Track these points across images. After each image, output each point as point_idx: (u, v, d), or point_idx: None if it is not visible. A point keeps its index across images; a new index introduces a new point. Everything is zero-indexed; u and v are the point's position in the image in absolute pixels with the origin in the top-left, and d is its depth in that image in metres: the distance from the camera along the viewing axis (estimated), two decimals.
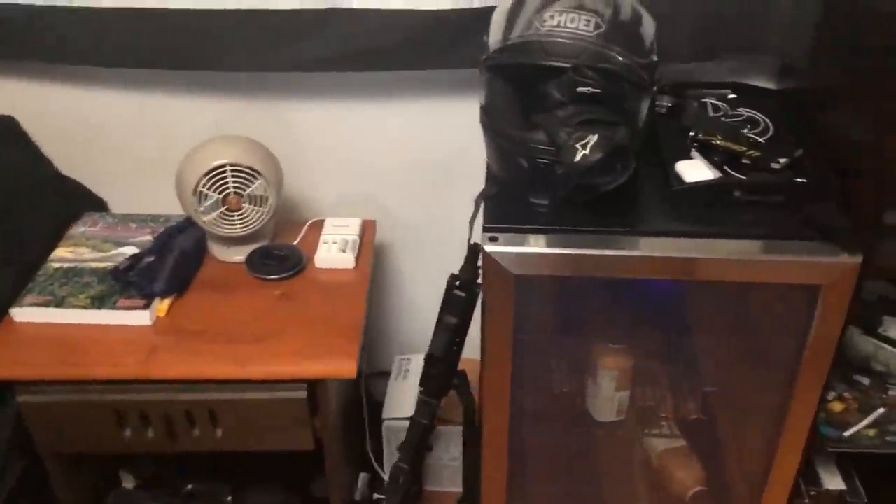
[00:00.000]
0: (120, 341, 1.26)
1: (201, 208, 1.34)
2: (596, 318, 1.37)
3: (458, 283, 1.24)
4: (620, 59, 1.05)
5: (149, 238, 1.44)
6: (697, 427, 1.43)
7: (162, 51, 1.38)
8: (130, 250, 1.40)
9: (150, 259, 1.36)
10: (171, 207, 1.52)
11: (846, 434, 1.36)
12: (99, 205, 1.59)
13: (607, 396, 1.36)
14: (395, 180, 1.59)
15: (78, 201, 1.56)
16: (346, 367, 1.22)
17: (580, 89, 1.03)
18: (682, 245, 1.08)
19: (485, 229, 1.09)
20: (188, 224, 1.44)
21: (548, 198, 1.10)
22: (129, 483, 1.57)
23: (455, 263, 1.67)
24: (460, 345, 1.27)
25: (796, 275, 1.06)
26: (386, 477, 1.67)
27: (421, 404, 1.36)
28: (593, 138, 1.01)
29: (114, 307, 1.28)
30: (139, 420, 1.26)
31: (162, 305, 1.31)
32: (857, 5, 1.17)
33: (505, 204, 1.13)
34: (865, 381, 1.44)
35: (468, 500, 1.60)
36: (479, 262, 1.22)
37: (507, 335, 1.13)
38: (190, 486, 1.52)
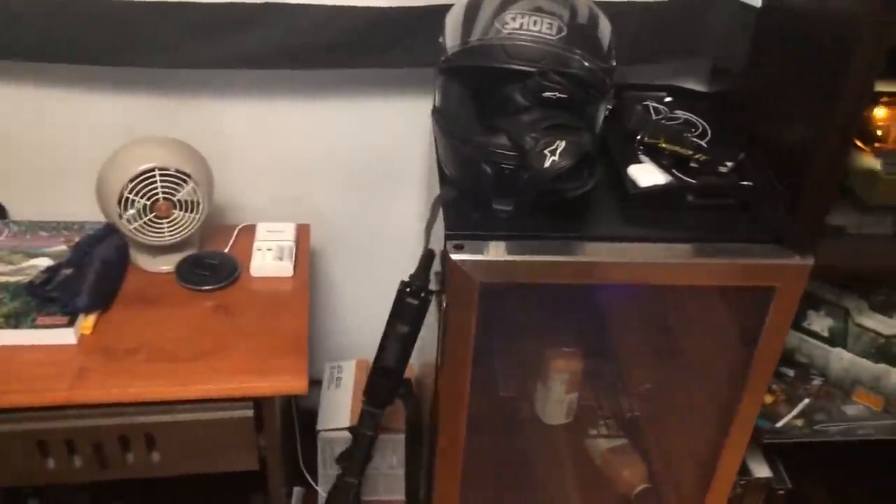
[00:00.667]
0: (41, 363, 1.14)
1: (126, 216, 1.24)
2: (549, 323, 1.37)
3: (409, 289, 1.21)
4: (585, 63, 1.04)
5: (64, 248, 1.32)
6: (638, 427, 1.46)
7: (70, 43, 1.25)
8: (45, 262, 1.28)
9: (69, 271, 1.25)
10: (79, 213, 1.40)
11: (778, 425, 1.43)
12: None
13: (558, 399, 1.36)
14: (327, 182, 1.53)
15: None
16: (296, 383, 1.16)
17: (546, 94, 1.02)
18: (639, 250, 1.08)
19: (448, 237, 1.06)
20: (107, 231, 1.33)
21: (511, 203, 1.08)
22: None
23: (389, 268, 1.63)
24: (409, 353, 1.24)
25: (752, 277, 1.09)
26: (320, 490, 1.61)
27: (367, 416, 1.32)
28: (562, 144, 1.00)
29: (33, 325, 1.16)
30: (65, 448, 1.15)
31: (87, 322, 1.20)
32: (791, 10, 1.22)
33: (466, 209, 1.10)
34: (791, 372, 1.52)
35: None
36: (432, 269, 1.20)
37: (468, 343, 1.11)
38: None
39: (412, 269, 1.21)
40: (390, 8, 1.27)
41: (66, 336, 1.17)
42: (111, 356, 1.17)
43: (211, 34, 1.26)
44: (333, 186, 1.52)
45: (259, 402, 1.17)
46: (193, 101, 1.41)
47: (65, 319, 1.18)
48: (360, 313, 1.68)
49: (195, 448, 1.18)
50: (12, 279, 1.25)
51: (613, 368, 1.47)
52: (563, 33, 1.04)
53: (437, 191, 1.18)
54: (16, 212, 1.47)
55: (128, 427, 1.15)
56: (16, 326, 1.16)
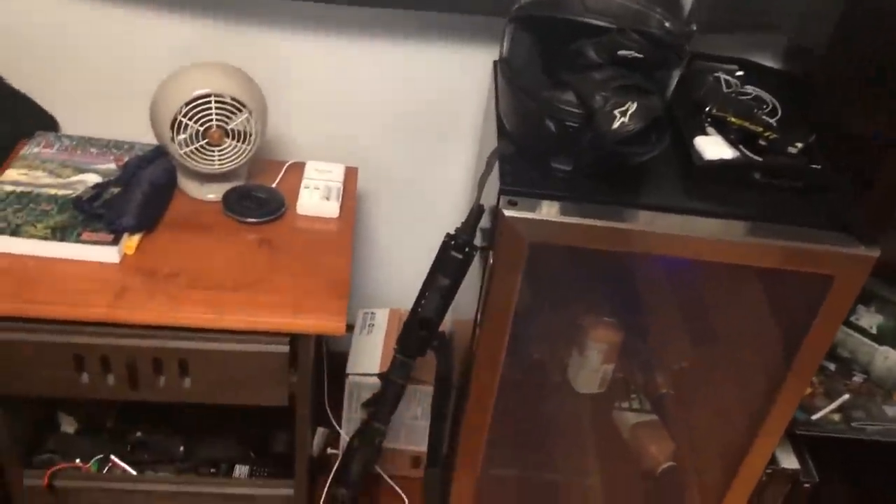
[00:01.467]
0: (83, 278, 1.14)
1: (179, 140, 1.23)
2: (592, 290, 1.35)
3: (454, 243, 1.18)
4: (665, 24, 1.00)
5: (113, 166, 1.31)
6: (670, 404, 1.44)
7: None
8: (93, 178, 1.28)
9: (117, 190, 1.25)
10: (127, 133, 1.39)
11: (813, 418, 1.40)
12: (50, 124, 1.44)
13: (593, 369, 1.34)
14: (378, 127, 1.50)
15: (27, 118, 1.41)
16: (335, 323, 1.14)
17: (621, 52, 0.98)
18: (699, 224, 1.05)
19: (503, 192, 1.03)
20: (157, 154, 1.32)
21: (571, 164, 1.05)
22: (68, 427, 1.46)
23: (431, 219, 1.61)
24: (447, 307, 1.22)
25: (813, 264, 1.05)
26: (343, 432, 1.62)
27: (399, 364, 1.31)
28: (633, 106, 0.96)
29: (77, 240, 1.16)
30: (100, 365, 1.16)
31: (131, 242, 1.20)
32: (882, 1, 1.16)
33: (523, 166, 1.07)
34: (832, 366, 1.48)
35: (434, 464, 1.58)
36: (480, 225, 1.17)
37: (510, 302, 1.09)
38: (139, 434, 1.43)
39: (456, 223, 1.18)
40: None
41: (109, 254, 1.17)
42: (152, 278, 1.16)
43: None
44: (384, 131, 1.49)
45: (295, 339, 1.17)
46: (254, 31, 1.38)
47: (109, 237, 1.18)
48: (398, 262, 1.67)
49: (227, 378, 1.18)
50: (60, 192, 1.24)
51: (650, 343, 1.44)
52: None
53: (492, 145, 1.15)
54: (67, 127, 1.47)
55: (162, 350, 1.15)
56: (61, 239, 1.16)
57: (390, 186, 1.57)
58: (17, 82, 1.40)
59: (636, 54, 0.98)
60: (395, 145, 1.52)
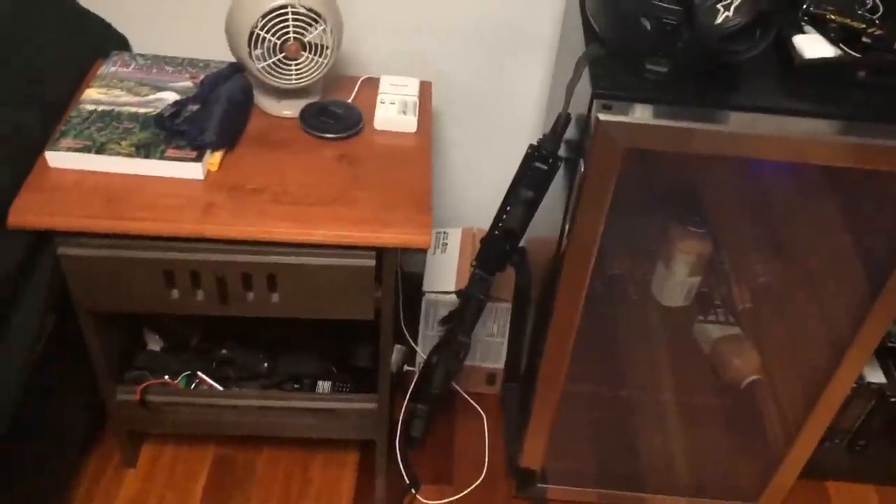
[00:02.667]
0: (169, 195, 1.15)
1: (256, 54, 1.21)
2: (680, 200, 1.31)
3: (538, 153, 1.16)
4: None
5: (189, 84, 1.31)
6: (755, 317, 1.41)
7: None
8: (171, 96, 1.27)
9: (196, 107, 1.24)
10: (198, 51, 1.38)
11: None
12: (122, 43, 1.44)
13: (679, 281, 1.32)
14: (449, 41, 1.46)
15: (100, 38, 1.40)
16: (420, 236, 1.14)
17: None
18: (801, 125, 1.00)
19: (596, 95, 1.00)
20: (233, 71, 1.30)
21: (668, 65, 1.01)
22: (154, 345, 1.49)
23: (506, 136, 1.58)
24: (530, 220, 1.21)
25: None
26: (419, 349, 1.63)
27: (477, 279, 1.30)
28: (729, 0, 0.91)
29: (162, 157, 1.16)
30: (190, 280, 1.17)
31: (213, 158, 1.20)
32: None
33: (616, 68, 1.03)
34: None
35: (513, 380, 1.59)
36: (566, 132, 1.14)
37: (601, 211, 1.06)
38: (223, 352, 1.46)
39: (529, 139, 1.16)
40: None
41: (193, 170, 1.17)
42: (237, 194, 1.16)
43: None
44: (458, 44, 1.46)
45: (381, 253, 1.16)
46: None
47: (193, 154, 1.18)
48: (471, 179, 1.65)
49: (315, 292, 1.19)
50: (141, 110, 1.24)
51: (737, 255, 1.40)
52: None
53: (576, 51, 1.11)
54: (138, 46, 1.46)
55: (251, 265, 1.16)
56: (146, 156, 1.16)
57: (463, 101, 1.54)
58: (87, 2, 1.39)
59: None
60: (469, 59, 1.48)
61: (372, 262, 1.15)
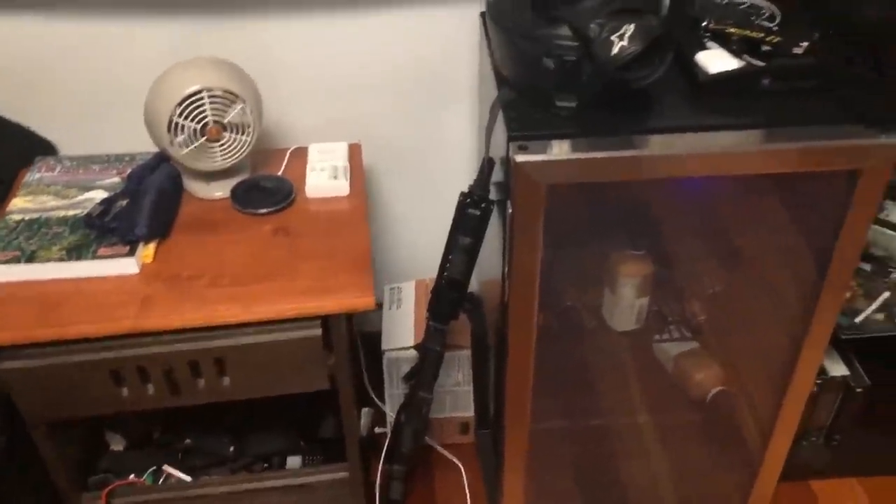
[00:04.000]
0: (107, 293, 1.14)
1: (177, 142, 1.21)
2: (615, 226, 1.33)
3: (470, 200, 1.17)
4: None
5: (117, 180, 1.31)
6: (710, 329, 1.42)
7: None
8: (100, 194, 1.27)
9: (125, 202, 1.24)
10: (130, 145, 1.38)
11: (857, 321, 1.38)
12: (48, 148, 1.43)
13: (628, 305, 1.32)
14: (376, 99, 1.48)
15: (23, 147, 1.40)
16: (363, 299, 1.13)
17: None
18: (714, 139, 1.03)
19: (511, 138, 1.01)
20: (159, 161, 1.31)
21: (575, 99, 1.03)
22: (117, 445, 1.46)
23: (442, 184, 1.59)
24: (473, 266, 1.21)
25: (836, 161, 1.02)
26: (387, 410, 1.62)
27: (432, 332, 1.31)
28: (630, 28, 0.94)
29: (94, 257, 1.16)
30: (137, 376, 1.16)
31: (147, 250, 1.19)
32: None
33: (527, 109, 1.05)
34: (868, 267, 1.46)
35: (484, 426, 1.57)
36: (492, 179, 1.16)
37: (535, 249, 1.07)
38: (187, 441, 1.43)
39: (466, 185, 1.17)
40: None
41: (128, 266, 1.16)
42: (174, 283, 1.16)
43: None
44: (382, 103, 1.47)
45: (327, 321, 1.16)
46: (236, 22, 1.36)
47: (125, 249, 1.17)
48: (417, 232, 1.66)
49: (265, 370, 1.17)
50: (70, 213, 1.24)
51: (681, 271, 1.42)
52: None
53: (491, 98, 1.13)
54: (66, 149, 1.46)
55: (197, 352, 1.14)
56: (78, 258, 1.16)
57: (397, 158, 1.55)
58: (9, 112, 1.39)
59: None
60: (395, 116, 1.50)
61: (318, 332, 1.15)
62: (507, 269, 1.12)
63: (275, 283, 1.15)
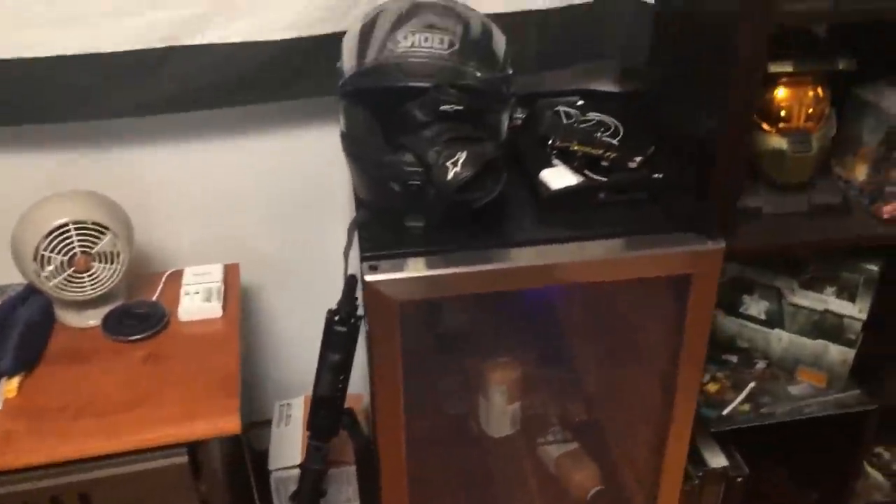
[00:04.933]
0: None
1: (45, 274, 1.22)
2: (478, 335, 1.37)
3: (337, 317, 1.20)
4: (478, 74, 1.05)
5: None
6: (587, 429, 1.46)
7: None
8: None
9: None
10: (2, 276, 1.38)
11: (724, 413, 1.43)
12: None
13: (500, 411, 1.36)
14: (253, 219, 1.52)
15: None
16: (228, 423, 1.14)
17: (443, 108, 1.03)
18: (556, 251, 1.09)
19: (363, 258, 1.06)
20: (30, 291, 1.30)
21: (423, 219, 1.09)
22: None
23: (326, 297, 1.61)
24: (346, 382, 1.23)
25: (669, 266, 1.10)
26: None
27: (312, 450, 1.30)
28: (463, 155, 1.01)
29: None
30: None
31: (10, 385, 1.18)
32: (687, 8, 1.25)
33: (379, 230, 1.10)
34: (734, 359, 1.53)
35: None
36: (357, 294, 1.19)
37: (395, 364, 1.11)
38: None
39: None
40: (290, 39, 1.28)
41: None
42: (38, 417, 1.14)
43: (112, 83, 1.25)
44: (259, 222, 1.51)
45: (194, 447, 1.15)
46: (111, 152, 1.40)
47: None
48: (303, 347, 1.65)
49: (134, 501, 1.15)
50: None
51: (555, 373, 1.46)
52: (456, 47, 1.05)
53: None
54: None
55: (60, 487, 1.12)
56: None
57: (278, 275, 1.58)
58: None
59: (457, 107, 1.02)
60: (274, 234, 1.54)
61: (184, 459, 1.14)
62: (371, 383, 1.14)
63: (140, 411, 1.15)
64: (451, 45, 1.05)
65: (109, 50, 1.23)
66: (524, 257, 1.07)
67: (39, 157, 1.38)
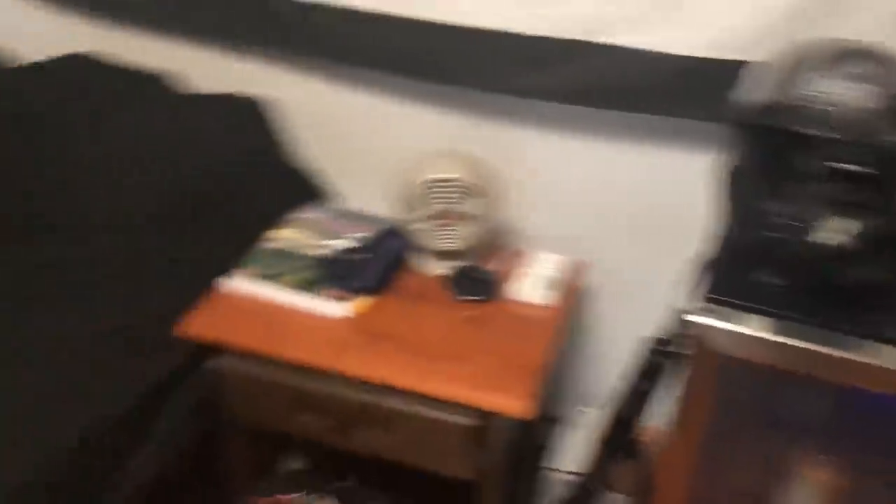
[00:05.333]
0: (315, 329, 1.30)
1: (414, 216, 1.35)
2: (805, 420, 1.22)
3: (657, 346, 1.16)
4: None
5: (360, 235, 1.47)
6: None
7: (409, 59, 1.41)
8: (343, 244, 1.44)
9: (358, 257, 1.40)
10: (379, 208, 1.54)
11: None
12: (321, 196, 1.65)
13: None
14: (606, 224, 1.52)
15: (301, 192, 1.62)
16: (519, 406, 1.17)
17: (845, 166, 0.92)
18: None
19: (708, 299, 1.00)
20: (397, 228, 1.45)
21: (782, 278, 0.99)
22: (295, 463, 1.61)
23: (653, 321, 1.56)
24: (643, 410, 1.19)
25: None
26: None
27: (600, 465, 1.28)
28: (856, 224, 0.89)
29: (317, 294, 1.32)
30: (319, 408, 1.28)
31: (363, 302, 1.34)
32: None
33: (730, 275, 1.03)
34: None
35: None
36: (682, 330, 1.13)
37: (700, 417, 1.03)
38: (348, 483, 1.53)
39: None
40: (702, 58, 1.24)
41: (340, 310, 1.31)
42: (371, 338, 1.28)
43: (520, 63, 1.33)
44: (613, 227, 1.51)
45: (486, 416, 1.20)
46: (501, 127, 1.49)
47: (343, 296, 1.32)
48: (613, 362, 1.63)
49: (421, 442, 1.24)
50: (315, 253, 1.42)
51: (884, 496, 1.24)
52: (884, 104, 0.93)
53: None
54: (338, 199, 1.67)
55: (369, 405, 1.24)
56: (307, 292, 1.33)
57: (614, 285, 1.56)
58: (307, 157, 1.64)
59: (862, 169, 0.91)
60: (623, 244, 1.52)
61: (468, 422, 1.20)
62: (672, 426, 1.08)
63: (450, 364, 1.23)
64: (879, 99, 0.93)
65: (529, 33, 1.30)
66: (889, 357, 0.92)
67: (444, 115, 1.51)
